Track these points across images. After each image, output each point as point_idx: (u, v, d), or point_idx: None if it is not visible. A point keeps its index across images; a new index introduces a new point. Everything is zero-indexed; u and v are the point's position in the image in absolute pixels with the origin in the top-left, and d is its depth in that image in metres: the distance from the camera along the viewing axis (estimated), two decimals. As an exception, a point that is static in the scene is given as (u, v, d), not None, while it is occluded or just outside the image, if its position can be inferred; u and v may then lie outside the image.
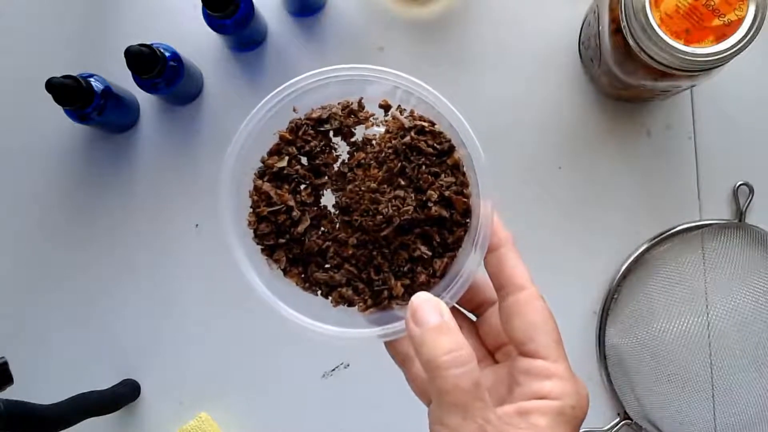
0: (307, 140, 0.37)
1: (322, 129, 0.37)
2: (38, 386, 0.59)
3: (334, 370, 0.63)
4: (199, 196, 0.63)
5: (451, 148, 0.36)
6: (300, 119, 0.37)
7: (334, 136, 0.38)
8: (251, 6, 0.57)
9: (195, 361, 0.63)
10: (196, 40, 0.63)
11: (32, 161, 0.64)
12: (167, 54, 0.57)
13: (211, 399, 0.63)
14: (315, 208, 0.37)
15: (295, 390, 0.63)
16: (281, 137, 0.37)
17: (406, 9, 0.63)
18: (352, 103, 0.38)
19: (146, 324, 0.64)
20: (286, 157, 0.37)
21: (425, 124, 0.36)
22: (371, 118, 0.38)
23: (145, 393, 0.63)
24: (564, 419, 0.29)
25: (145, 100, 0.64)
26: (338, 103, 0.38)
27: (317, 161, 0.37)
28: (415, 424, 0.39)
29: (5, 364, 0.45)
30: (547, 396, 0.30)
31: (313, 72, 0.36)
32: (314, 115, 0.37)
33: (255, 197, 0.37)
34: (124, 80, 0.59)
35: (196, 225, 0.63)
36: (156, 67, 0.55)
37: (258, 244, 0.37)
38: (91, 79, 0.57)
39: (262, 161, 0.37)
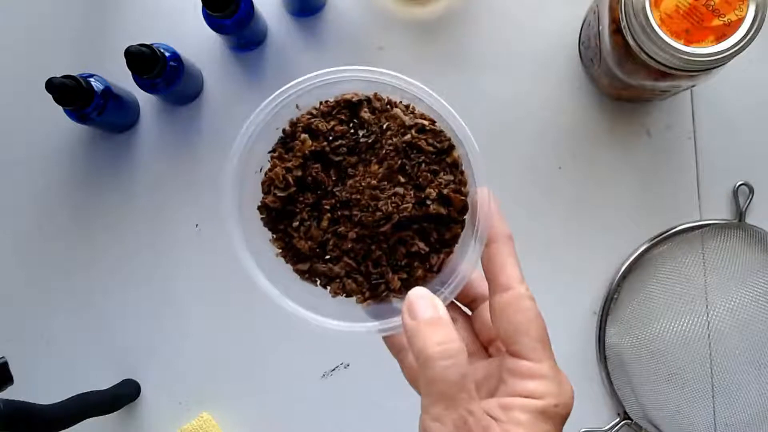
0: (340, 120, 0.37)
1: (350, 114, 0.37)
2: (38, 386, 0.59)
3: (334, 370, 0.63)
4: (199, 196, 0.63)
5: (451, 147, 0.37)
6: (331, 102, 0.37)
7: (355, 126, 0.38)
8: (251, 6, 0.57)
9: (195, 361, 0.63)
10: (196, 40, 0.63)
11: (32, 161, 0.65)
12: (167, 54, 0.57)
13: (211, 399, 0.63)
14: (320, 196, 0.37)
15: (295, 390, 0.63)
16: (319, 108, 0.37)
17: (406, 9, 0.63)
18: (367, 97, 0.38)
19: (146, 324, 0.64)
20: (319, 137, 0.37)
21: (426, 122, 0.37)
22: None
23: (145, 393, 0.63)
24: (545, 416, 0.30)
25: (145, 100, 0.64)
26: (358, 93, 0.38)
27: (339, 144, 0.37)
28: (414, 424, 0.39)
29: (5, 364, 0.45)
30: (531, 395, 0.31)
31: (316, 73, 0.36)
32: (345, 97, 0.37)
33: (271, 174, 0.37)
34: (124, 80, 0.59)
35: (196, 225, 0.63)
36: (156, 67, 0.55)
37: (265, 225, 0.37)
38: (91, 79, 0.58)
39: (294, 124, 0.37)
